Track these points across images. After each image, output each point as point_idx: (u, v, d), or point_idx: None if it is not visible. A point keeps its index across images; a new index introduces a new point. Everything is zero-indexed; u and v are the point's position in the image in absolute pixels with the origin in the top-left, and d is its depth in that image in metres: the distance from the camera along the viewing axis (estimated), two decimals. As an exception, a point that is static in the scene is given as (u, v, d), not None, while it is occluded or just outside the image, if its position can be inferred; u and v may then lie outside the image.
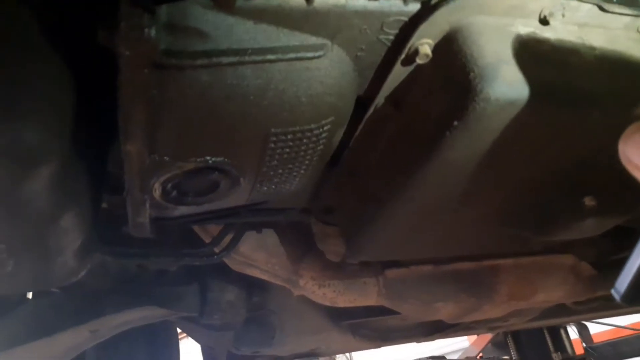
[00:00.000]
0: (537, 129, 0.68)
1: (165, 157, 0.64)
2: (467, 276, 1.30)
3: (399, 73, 0.70)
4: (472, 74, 0.60)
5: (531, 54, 0.64)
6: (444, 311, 1.38)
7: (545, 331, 3.03)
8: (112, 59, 0.53)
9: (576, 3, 0.65)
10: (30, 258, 0.66)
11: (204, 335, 1.75)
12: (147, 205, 0.74)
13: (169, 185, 0.70)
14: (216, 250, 1.11)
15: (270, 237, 1.25)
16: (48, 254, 0.66)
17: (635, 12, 0.68)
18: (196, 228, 1.16)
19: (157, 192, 0.70)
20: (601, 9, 0.67)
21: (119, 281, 1.35)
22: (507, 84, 0.60)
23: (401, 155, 0.78)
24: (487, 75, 0.60)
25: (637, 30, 0.70)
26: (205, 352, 1.95)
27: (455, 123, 0.64)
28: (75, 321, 1.28)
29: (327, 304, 1.34)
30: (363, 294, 1.32)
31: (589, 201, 0.85)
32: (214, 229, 1.15)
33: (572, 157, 0.77)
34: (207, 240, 1.14)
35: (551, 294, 1.43)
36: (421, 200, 0.80)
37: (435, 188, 0.77)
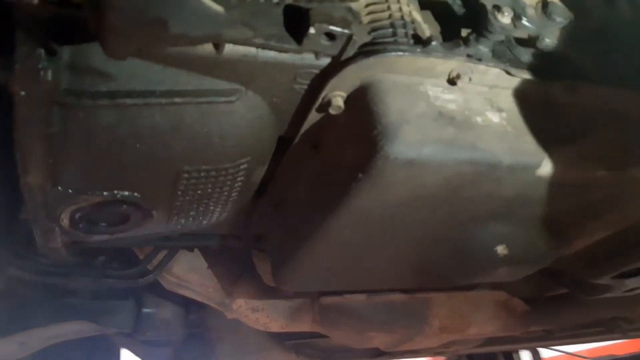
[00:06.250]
0: (443, 185, 0.70)
1: (69, 190, 0.64)
2: (399, 308, 1.32)
3: (315, 118, 0.72)
4: (374, 131, 0.62)
5: (437, 113, 0.66)
6: (377, 340, 1.40)
7: (501, 355, 3.08)
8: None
9: (484, 67, 0.68)
10: None
11: (143, 350, 1.73)
12: (57, 232, 0.73)
13: (77, 216, 0.70)
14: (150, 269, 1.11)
15: (204, 259, 1.25)
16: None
17: (539, 78, 0.71)
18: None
19: (64, 222, 0.70)
20: (508, 73, 0.70)
21: (52, 292, 1.32)
22: (406, 144, 0.62)
23: (318, 195, 0.79)
24: (388, 134, 0.62)
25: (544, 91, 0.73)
26: (146, 366, 1.92)
27: (360, 175, 0.65)
28: (3, 332, 1.26)
29: (260, 328, 1.34)
30: (297, 320, 1.33)
31: (501, 250, 0.88)
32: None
33: (482, 210, 0.79)
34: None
35: (483, 327, 1.46)
36: (336, 239, 0.82)
37: (347, 229, 0.78)
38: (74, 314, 1.29)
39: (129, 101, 0.58)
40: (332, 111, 0.68)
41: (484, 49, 0.69)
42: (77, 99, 0.56)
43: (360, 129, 0.65)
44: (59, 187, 0.63)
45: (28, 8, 0.47)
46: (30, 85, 0.52)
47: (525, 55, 0.70)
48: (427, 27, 0.71)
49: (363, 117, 0.65)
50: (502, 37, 0.68)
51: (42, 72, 0.51)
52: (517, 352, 3.15)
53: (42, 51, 0.51)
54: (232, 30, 0.52)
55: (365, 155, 0.64)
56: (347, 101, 0.67)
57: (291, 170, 0.82)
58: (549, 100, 0.73)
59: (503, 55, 0.70)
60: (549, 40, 0.69)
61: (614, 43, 0.76)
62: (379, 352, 1.96)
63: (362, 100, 0.65)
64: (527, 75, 0.71)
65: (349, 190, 0.69)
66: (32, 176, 0.60)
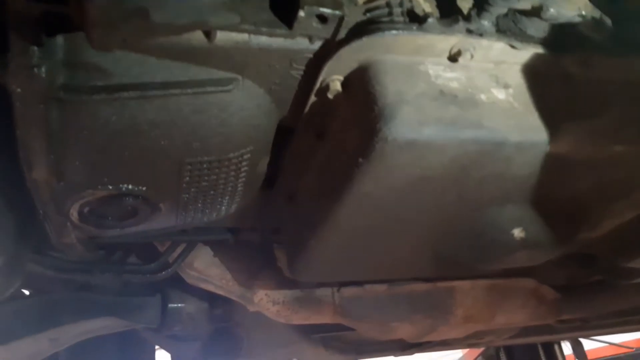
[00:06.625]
0: (449, 166, 0.68)
1: (73, 185, 0.65)
2: (421, 297, 1.30)
3: (316, 105, 0.71)
4: (372, 114, 0.61)
5: (438, 92, 0.64)
6: (401, 331, 1.38)
7: (540, 347, 3.01)
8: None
9: (487, 42, 0.66)
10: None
11: (172, 345, 1.76)
12: (69, 227, 0.75)
13: (86, 210, 0.71)
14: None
15: (225, 253, 1.26)
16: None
17: (549, 52, 0.68)
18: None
19: (74, 216, 0.72)
20: (513, 47, 0.67)
21: (81, 289, 1.36)
22: (405, 125, 0.60)
23: (325, 183, 0.79)
24: (385, 115, 0.60)
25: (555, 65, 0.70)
26: (175, 361, 1.95)
27: (360, 160, 0.64)
28: (34, 329, 1.30)
29: (282, 321, 1.34)
30: (318, 312, 1.32)
31: (518, 233, 0.85)
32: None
33: (494, 191, 0.77)
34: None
35: (512, 316, 1.42)
36: (346, 227, 0.81)
37: (356, 217, 0.77)
38: (102, 310, 1.32)
39: (125, 94, 0.59)
40: (329, 95, 0.67)
41: (486, 23, 0.66)
42: (74, 94, 0.57)
43: (359, 112, 0.64)
44: (64, 182, 0.65)
45: (17, 6, 0.48)
46: (25, 82, 0.53)
47: (532, 28, 0.68)
48: (428, 5, 0.69)
49: (361, 100, 0.64)
50: (504, 10, 0.65)
51: (35, 69, 0.52)
52: (559, 343, 3.05)
53: (35, 49, 0.52)
54: (217, 17, 0.52)
55: (365, 139, 0.63)
56: (345, 84, 0.66)
57: (298, 161, 0.82)
58: (560, 74, 0.70)
59: (508, 30, 0.67)
60: (554, 10, 0.66)
61: (627, 12, 0.72)
62: (408, 345, 1.94)
63: (360, 83, 0.64)
64: (535, 49, 0.68)
65: (352, 176, 0.68)
66: (36, 172, 0.61)
